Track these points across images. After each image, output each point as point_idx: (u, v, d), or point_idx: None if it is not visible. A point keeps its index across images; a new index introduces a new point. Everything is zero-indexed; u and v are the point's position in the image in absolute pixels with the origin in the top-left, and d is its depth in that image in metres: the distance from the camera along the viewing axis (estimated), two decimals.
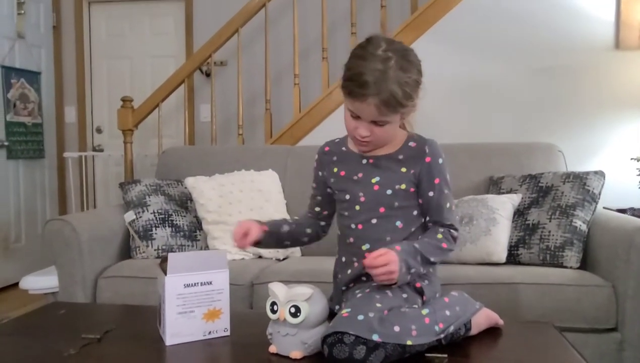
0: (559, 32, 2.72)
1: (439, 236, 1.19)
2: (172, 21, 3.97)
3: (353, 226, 1.23)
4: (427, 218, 1.23)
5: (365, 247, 1.21)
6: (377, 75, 1.08)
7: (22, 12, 3.60)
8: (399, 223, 1.20)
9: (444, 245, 1.18)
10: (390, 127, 1.16)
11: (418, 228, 1.23)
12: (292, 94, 3.03)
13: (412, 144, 1.22)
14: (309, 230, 1.36)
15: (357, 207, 1.22)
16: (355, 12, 2.98)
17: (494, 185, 2.14)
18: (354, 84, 1.10)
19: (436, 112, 2.78)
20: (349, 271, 1.24)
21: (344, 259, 1.27)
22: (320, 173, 1.33)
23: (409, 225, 1.21)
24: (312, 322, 1.03)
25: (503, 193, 2.07)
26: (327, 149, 1.32)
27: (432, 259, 1.15)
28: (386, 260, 1.05)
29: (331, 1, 3.27)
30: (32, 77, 3.74)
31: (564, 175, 1.99)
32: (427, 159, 1.20)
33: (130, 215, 2.06)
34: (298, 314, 1.02)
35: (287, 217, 2.19)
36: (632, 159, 2.60)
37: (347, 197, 1.24)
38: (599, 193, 1.93)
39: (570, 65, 2.73)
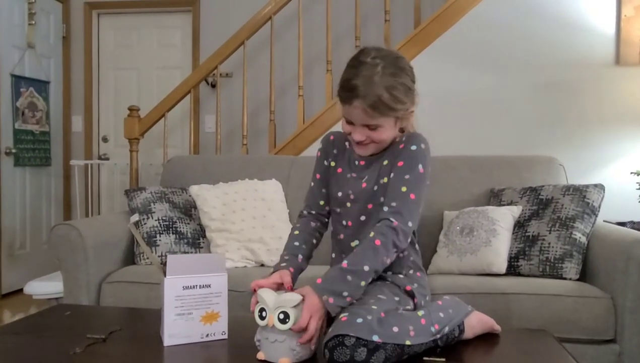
0: (560, 48, 2.76)
1: (372, 234, 1.12)
2: (179, 33, 4.05)
3: (344, 223, 1.27)
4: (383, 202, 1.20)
5: (354, 243, 1.24)
6: (363, 80, 1.12)
7: (33, 22, 3.67)
8: None
9: (377, 242, 1.10)
10: (384, 131, 1.18)
11: None
12: (296, 106, 3.08)
13: (398, 139, 1.24)
14: (315, 240, 1.33)
15: (348, 204, 1.26)
16: (359, 26, 3.03)
17: (495, 197, 2.17)
18: (343, 89, 1.15)
19: (438, 125, 2.82)
20: None
21: (333, 255, 1.32)
22: (325, 161, 1.33)
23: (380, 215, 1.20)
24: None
25: (504, 205, 2.09)
26: (332, 138, 1.35)
27: (365, 268, 1.07)
28: (305, 321, 1.00)
29: (336, 15, 3.34)
30: (41, 86, 3.80)
31: (564, 187, 2.01)
32: (401, 146, 1.22)
33: (135, 217, 2.10)
34: (287, 320, 1.01)
35: (289, 225, 2.22)
36: (632, 173, 2.62)
37: (340, 194, 1.27)
38: (599, 206, 1.95)
39: (571, 80, 2.77)
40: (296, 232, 1.30)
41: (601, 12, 2.73)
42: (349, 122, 1.19)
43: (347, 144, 1.31)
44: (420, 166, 1.18)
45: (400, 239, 1.13)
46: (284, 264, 1.22)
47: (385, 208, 1.16)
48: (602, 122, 2.75)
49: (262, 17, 3.01)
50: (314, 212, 1.35)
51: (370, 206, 1.23)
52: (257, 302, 1.06)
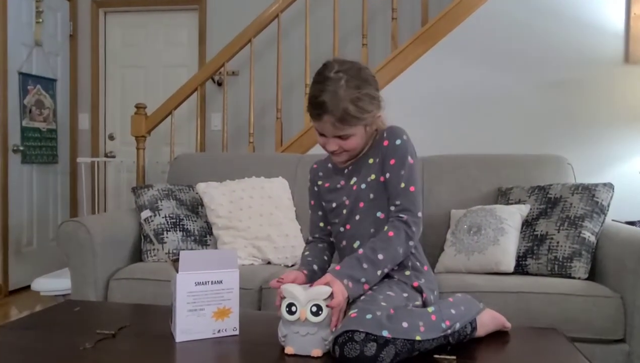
0: (568, 46, 2.75)
1: (385, 227, 1.21)
2: (185, 31, 4.05)
3: (342, 229, 1.32)
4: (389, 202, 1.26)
5: (356, 244, 1.28)
6: (329, 96, 1.16)
7: (41, 20, 3.69)
8: (379, 214, 1.27)
9: (390, 233, 1.19)
10: (355, 138, 1.23)
11: None
12: (303, 104, 3.07)
13: (377, 136, 1.29)
14: (326, 257, 1.39)
15: (344, 211, 1.31)
16: (366, 24, 3.03)
17: (503, 196, 2.16)
18: (312, 106, 1.19)
19: (446, 123, 2.81)
20: None
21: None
22: (315, 188, 1.41)
23: (389, 214, 1.26)
24: (331, 320, 1.06)
25: (512, 203, 2.08)
26: (315, 166, 1.43)
27: (379, 256, 1.15)
28: (336, 302, 1.06)
29: (343, 13, 3.34)
30: (48, 83, 3.81)
31: (573, 186, 2.00)
32: (385, 143, 1.26)
33: (146, 213, 2.10)
34: (320, 313, 1.04)
35: (298, 226, 2.22)
36: None
37: (334, 205, 1.33)
38: (608, 205, 1.93)
39: (580, 78, 2.75)
40: (306, 253, 1.37)
41: (610, 10, 2.71)
42: (322, 135, 1.24)
43: (329, 165, 1.39)
44: (409, 158, 1.25)
45: (413, 230, 1.20)
46: (298, 268, 1.30)
47: (392, 208, 1.23)
48: (611, 121, 2.73)
49: (269, 15, 3.01)
50: (317, 236, 1.42)
51: (361, 204, 1.28)
52: (283, 298, 1.08)
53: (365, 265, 1.14)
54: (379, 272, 1.16)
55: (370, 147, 1.29)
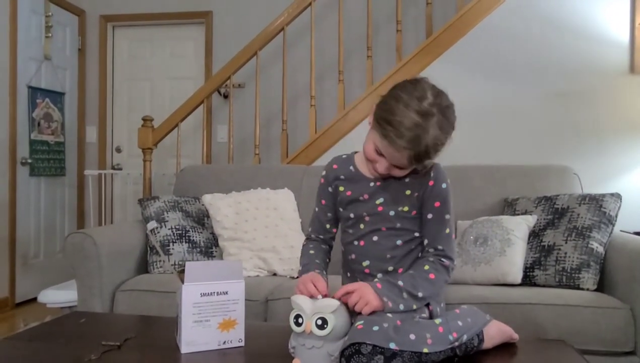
0: (573, 57, 2.75)
1: (426, 267, 1.18)
2: (192, 44, 4.09)
3: (355, 243, 1.27)
4: (425, 242, 1.24)
5: (365, 263, 1.25)
6: (418, 131, 1.08)
7: (50, 35, 3.74)
8: (399, 242, 1.24)
9: (431, 276, 1.17)
10: (407, 171, 1.20)
11: (417, 246, 1.25)
12: (308, 115, 3.09)
13: (424, 172, 1.23)
14: (328, 260, 1.37)
15: (362, 226, 1.27)
16: (371, 36, 3.05)
17: (509, 207, 2.15)
18: (394, 131, 1.09)
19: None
20: None
21: (348, 274, 1.32)
22: (329, 188, 1.34)
23: (408, 244, 1.24)
24: (338, 334, 1.04)
25: (518, 214, 2.07)
26: (335, 166, 1.35)
27: (420, 294, 1.14)
28: (359, 295, 1.07)
29: (347, 25, 3.36)
30: (57, 97, 3.86)
31: (580, 197, 1.98)
32: (431, 183, 1.22)
33: (152, 224, 2.11)
34: (325, 326, 1.03)
35: (304, 237, 2.21)
36: None
37: (352, 216, 1.28)
38: (616, 216, 1.92)
39: (585, 89, 2.75)
40: (311, 252, 1.33)
41: (615, 20, 2.71)
42: (380, 154, 1.17)
43: (351, 168, 1.31)
44: (451, 203, 1.23)
45: (449, 278, 1.22)
46: (311, 268, 1.26)
47: (432, 250, 1.21)
48: (616, 131, 2.72)
49: (274, 28, 3.04)
50: (322, 237, 1.38)
51: (384, 229, 1.24)
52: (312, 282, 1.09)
53: (405, 295, 1.12)
54: (414, 306, 1.14)
55: (409, 177, 1.23)
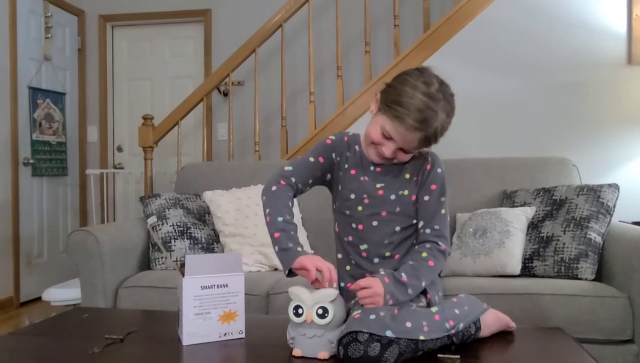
0: (571, 48, 2.75)
1: (424, 254, 1.19)
2: (191, 43, 4.11)
3: (354, 226, 1.28)
4: (420, 224, 1.25)
5: (363, 246, 1.26)
6: (429, 113, 1.13)
7: (49, 36, 3.76)
8: (397, 228, 1.25)
9: (431, 263, 1.19)
10: (411, 155, 1.23)
11: (413, 234, 1.27)
12: (308, 112, 3.10)
13: (421, 158, 1.27)
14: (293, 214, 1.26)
15: (360, 208, 1.27)
16: (369, 31, 3.05)
17: (508, 199, 2.16)
18: (405, 112, 1.13)
19: (450, 128, 2.82)
20: (348, 267, 1.29)
21: (339, 256, 1.32)
22: (333, 155, 1.30)
23: (406, 230, 1.26)
24: (337, 322, 1.06)
25: (517, 206, 2.08)
26: (346, 139, 1.33)
27: (423, 283, 1.16)
28: (371, 292, 1.08)
29: (345, 21, 3.37)
30: (57, 97, 3.88)
31: (578, 188, 2.00)
32: (428, 166, 1.26)
33: (153, 219, 2.13)
34: (326, 315, 1.05)
35: (304, 232, 2.23)
36: None
37: (352, 196, 1.27)
38: (614, 206, 1.93)
39: (583, 80, 2.75)
40: (290, 202, 1.24)
41: (612, 11, 2.72)
42: (388, 138, 1.18)
43: (357, 147, 1.31)
44: (446, 188, 1.27)
45: (446, 262, 1.24)
46: (295, 237, 1.20)
47: (428, 230, 1.23)
48: (615, 122, 2.73)
49: (272, 25, 3.05)
50: (299, 186, 1.28)
51: (384, 213, 1.25)
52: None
53: (410, 291, 1.14)
54: (414, 295, 1.17)
55: (409, 163, 1.26)
